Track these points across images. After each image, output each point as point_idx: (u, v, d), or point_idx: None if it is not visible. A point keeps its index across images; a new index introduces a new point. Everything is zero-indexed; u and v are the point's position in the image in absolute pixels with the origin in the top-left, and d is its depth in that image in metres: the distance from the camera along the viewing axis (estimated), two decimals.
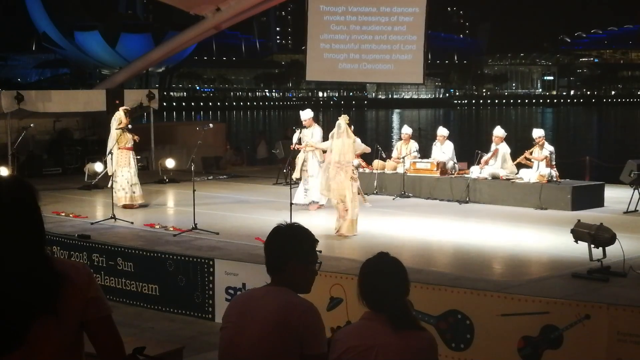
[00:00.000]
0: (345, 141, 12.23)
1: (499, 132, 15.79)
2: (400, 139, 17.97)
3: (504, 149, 15.75)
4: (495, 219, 13.73)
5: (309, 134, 14.85)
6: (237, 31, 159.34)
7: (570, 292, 8.43)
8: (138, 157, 17.06)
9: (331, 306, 8.94)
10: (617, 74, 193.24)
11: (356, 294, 3.64)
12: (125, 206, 14.47)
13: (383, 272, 3.58)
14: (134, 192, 14.64)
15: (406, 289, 3.60)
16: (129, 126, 14.89)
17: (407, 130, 17.53)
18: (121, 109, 15.34)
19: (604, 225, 9.40)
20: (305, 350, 3.49)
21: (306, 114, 15.10)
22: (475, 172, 15.76)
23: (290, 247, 3.67)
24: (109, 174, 14.81)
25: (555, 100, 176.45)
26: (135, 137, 14.80)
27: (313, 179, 14.51)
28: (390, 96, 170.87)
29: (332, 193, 12.26)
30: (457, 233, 12.68)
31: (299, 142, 14.90)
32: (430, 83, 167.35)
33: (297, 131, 15.07)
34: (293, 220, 10.77)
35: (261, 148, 26.08)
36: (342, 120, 12.36)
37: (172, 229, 12.55)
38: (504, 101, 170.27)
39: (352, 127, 12.65)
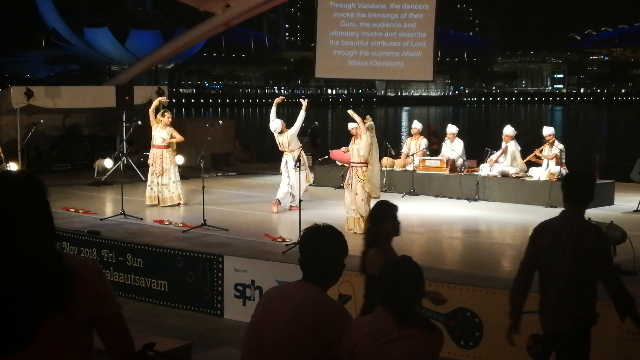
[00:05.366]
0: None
1: (508, 130, 15.74)
2: (410, 134, 17.84)
3: (514, 147, 15.70)
4: (505, 217, 13.70)
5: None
6: (246, 28, 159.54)
7: None
8: (146, 153, 17.11)
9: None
10: (628, 72, 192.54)
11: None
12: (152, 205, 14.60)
13: (398, 274, 3.70)
14: (161, 193, 14.65)
15: (418, 294, 3.73)
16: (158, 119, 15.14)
17: (417, 125, 17.39)
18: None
19: (614, 224, 9.36)
20: (334, 350, 3.64)
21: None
22: (484, 169, 15.71)
23: (336, 256, 3.85)
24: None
25: (565, 98, 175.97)
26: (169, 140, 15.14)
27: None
28: (399, 94, 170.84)
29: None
30: (466, 230, 12.67)
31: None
32: (439, 80, 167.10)
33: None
34: (303, 215, 10.81)
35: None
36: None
37: (181, 225, 12.57)
38: (513, 99, 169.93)
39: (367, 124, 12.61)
